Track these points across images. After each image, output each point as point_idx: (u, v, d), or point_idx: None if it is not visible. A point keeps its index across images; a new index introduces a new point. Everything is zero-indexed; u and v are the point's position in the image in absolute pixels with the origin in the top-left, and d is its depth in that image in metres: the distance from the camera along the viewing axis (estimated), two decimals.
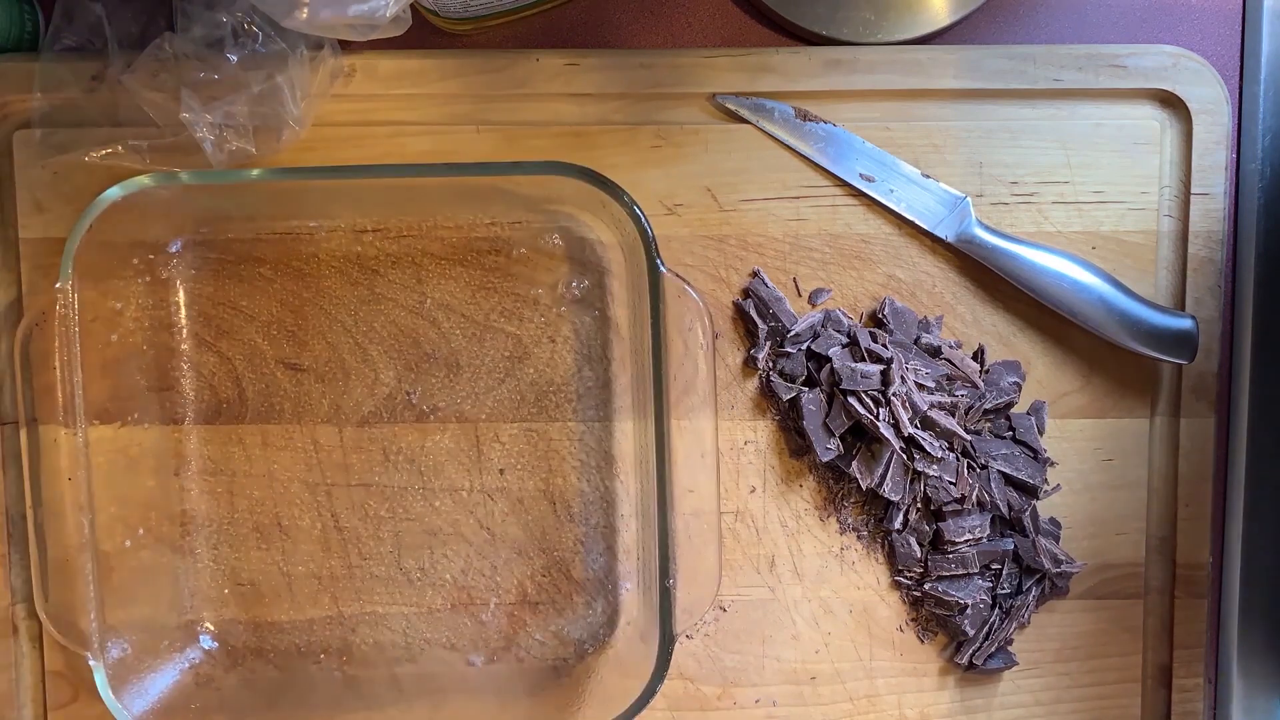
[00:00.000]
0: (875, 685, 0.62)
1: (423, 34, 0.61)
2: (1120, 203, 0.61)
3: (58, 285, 0.54)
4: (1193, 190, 0.61)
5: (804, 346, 0.60)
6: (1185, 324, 0.59)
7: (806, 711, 0.62)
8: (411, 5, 0.57)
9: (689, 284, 0.55)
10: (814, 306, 0.61)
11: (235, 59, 0.55)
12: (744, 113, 0.60)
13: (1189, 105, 0.60)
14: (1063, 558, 0.60)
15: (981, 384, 0.60)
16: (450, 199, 0.59)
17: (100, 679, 0.55)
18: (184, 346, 0.60)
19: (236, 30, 0.55)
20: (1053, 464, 0.62)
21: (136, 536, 0.59)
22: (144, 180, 0.55)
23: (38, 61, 0.58)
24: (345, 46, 0.59)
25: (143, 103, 0.55)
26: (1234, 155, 0.62)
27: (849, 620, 0.62)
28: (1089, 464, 0.62)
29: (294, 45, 0.56)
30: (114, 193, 0.54)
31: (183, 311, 0.60)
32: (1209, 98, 0.60)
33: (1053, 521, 0.62)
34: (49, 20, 0.59)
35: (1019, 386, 0.61)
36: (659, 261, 0.54)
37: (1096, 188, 0.61)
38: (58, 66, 0.58)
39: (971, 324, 0.62)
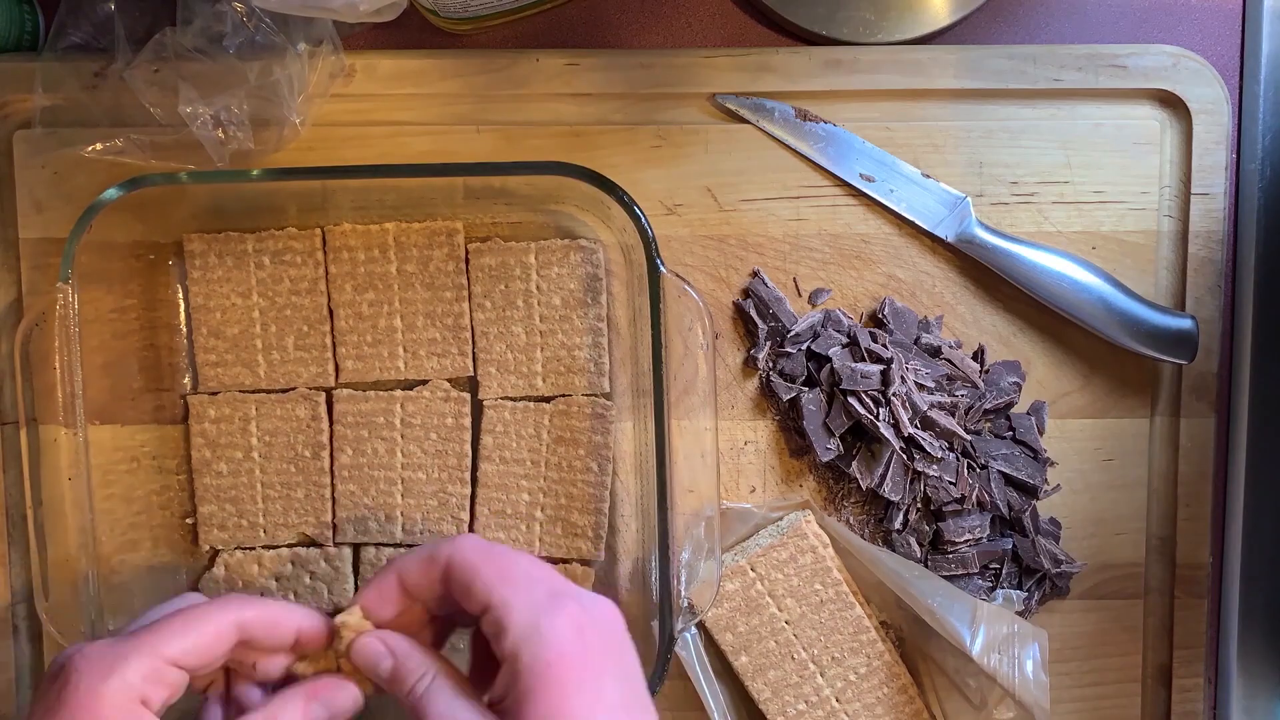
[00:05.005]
0: None
1: (423, 34, 0.61)
2: (1120, 203, 0.61)
3: (58, 285, 0.54)
4: (1193, 190, 0.61)
5: (804, 346, 0.60)
6: (1185, 324, 0.59)
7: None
8: (411, 5, 0.57)
9: (689, 284, 0.55)
10: (814, 306, 0.61)
11: (234, 53, 0.55)
12: (744, 113, 0.60)
13: (1189, 105, 0.60)
14: (1063, 558, 0.60)
15: (981, 384, 0.60)
16: (450, 199, 0.59)
17: None
18: (184, 346, 0.60)
19: (236, 24, 0.55)
20: (1053, 464, 0.62)
21: (136, 536, 0.59)
22: (144, 180, 0.55)
23: (38, 61, 0.58)
24: (346, 46, 0.59)
25: (143, 98, 0.55)
26: (1234, 155, 0.62)
27: None
28: (1089, 464, 0.62)
29: (294, 40, 0.56)
30: (114, 192, 0.54)
31: (183, 311, 0.60)
32: (1209, 98, 0.60)
33: (1053, 521, 0.62)
34: (49, 20, 0.59)
35: (1019, 386, 0.61)
36: (659, 261, 0.54)
37: (1096, 188, 0.61)
38: (59, 65, 0.58)
39: (971, 324, 0.62)
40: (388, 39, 0.61)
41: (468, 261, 0.59)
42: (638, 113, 0.60)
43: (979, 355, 0.61)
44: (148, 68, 0.55)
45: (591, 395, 0.60)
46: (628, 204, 0.54)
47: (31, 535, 0.56)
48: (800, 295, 0.61)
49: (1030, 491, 0.61)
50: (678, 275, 0.55)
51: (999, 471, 0.60)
